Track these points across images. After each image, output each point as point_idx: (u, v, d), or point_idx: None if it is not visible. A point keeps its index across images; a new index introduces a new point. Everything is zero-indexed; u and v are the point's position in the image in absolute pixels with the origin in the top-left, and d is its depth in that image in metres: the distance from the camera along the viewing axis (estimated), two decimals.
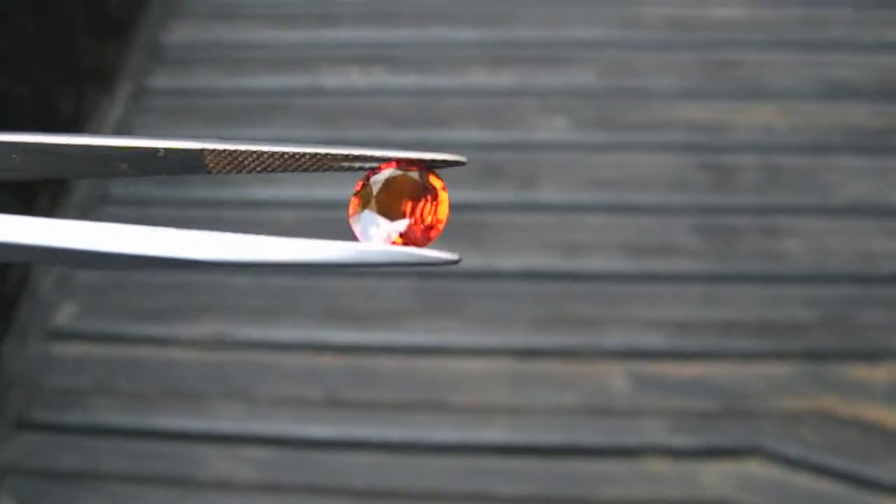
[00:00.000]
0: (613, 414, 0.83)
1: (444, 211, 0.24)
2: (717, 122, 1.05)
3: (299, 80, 1.14)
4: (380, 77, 1.13)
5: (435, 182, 0.24)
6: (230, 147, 0.23)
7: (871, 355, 0.86)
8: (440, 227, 0.24)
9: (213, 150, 0.23)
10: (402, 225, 0.23)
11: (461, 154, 0.23)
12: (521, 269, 0.93)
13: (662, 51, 1.13)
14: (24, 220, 0.22)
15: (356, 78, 1.14)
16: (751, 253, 0.93)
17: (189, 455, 0.83)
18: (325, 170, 0.23)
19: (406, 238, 0.23)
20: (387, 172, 0.23)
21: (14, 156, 0.23)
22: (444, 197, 0.24)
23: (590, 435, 0.82)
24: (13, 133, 0.23)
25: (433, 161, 0.24)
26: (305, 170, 0.23)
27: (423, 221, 0.23)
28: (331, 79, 1.14)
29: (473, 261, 0.94)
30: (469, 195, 1.00)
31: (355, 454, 0.82)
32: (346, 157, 0.23)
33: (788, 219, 0.96)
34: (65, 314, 0.93)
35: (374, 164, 0.23)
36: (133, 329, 0.92)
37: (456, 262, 0.22)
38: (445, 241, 0.86)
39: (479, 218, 0.98)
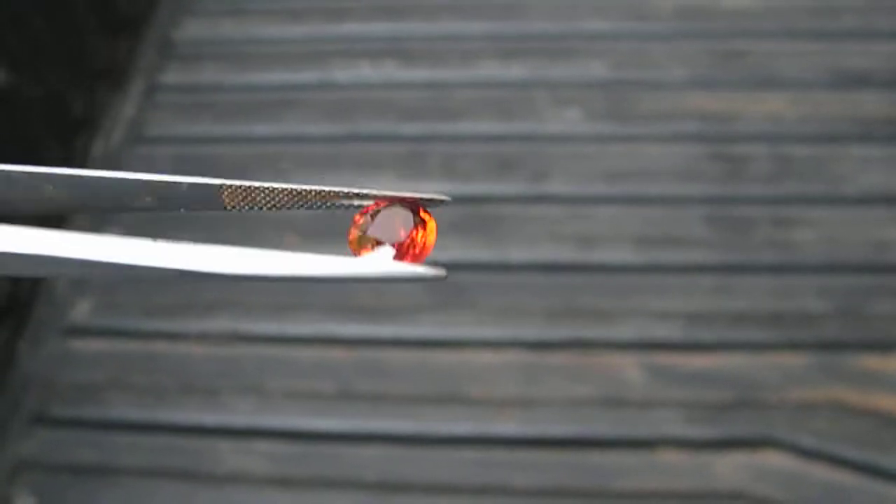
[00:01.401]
0: (626, 406, 0.83)
1: (431, 239, 0.27)
2: (727, 113, 1.04)
3: (310, 74, 1.14)
4: (391, 70, 1.13)
5: (424, 215, 0.27)
6: (245, 183, 0.26)
7: (885, 345, 0.85)
8: (428, 251, 0.27)
9: (231, 186, 0.26)
10: (394, 248, 0.26)
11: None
12: (533, 262, 0.94)
13: (673, 41, 1.12)
14: (39, 232, 0.24)
15: (367, 72, 1.14)
16: (762, 243, 0.93)
17: (203, 449, 0.83)
18: (327, 207, 0.27)
19: (398, 259, 0.27)
20: (383, 207, 0.27)
21: (51, 186, 0.26)
22: (431, 227, 0.27)
23: (603, 427, 0.82)
24: (46, 167, 0.26)
25: (422, 199, 0.27)
26: (310, 207, 0.27)
27: (413, 247, 0.27)
28: (342, 73, 1.14)
29: (485, 253, 0.94)
30: (481, 188, 1.00)
31: (367, 447, 0.83)
32: (347, 195, 0.27)
33: (800, 209, 0.95)
34: (80, 311, 0.93)
35: (371, 202, 0.27)
36: (147, 325, 0.92)
37: (443, 277, 0.25)
38: (457, 233, 0.86)
39: (490, 210, 0.98)
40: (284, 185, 0.26)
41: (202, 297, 0.93)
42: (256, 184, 0.26)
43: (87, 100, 1.11)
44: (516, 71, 1.12)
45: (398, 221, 0.27)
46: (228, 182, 0.26)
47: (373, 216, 0.27)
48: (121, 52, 1.18)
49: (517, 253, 0.94)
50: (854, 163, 0.99)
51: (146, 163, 1.06)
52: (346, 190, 0.26)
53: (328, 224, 0.96)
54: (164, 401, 0.87)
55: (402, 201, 0.27)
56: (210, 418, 0.85)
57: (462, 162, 1.02)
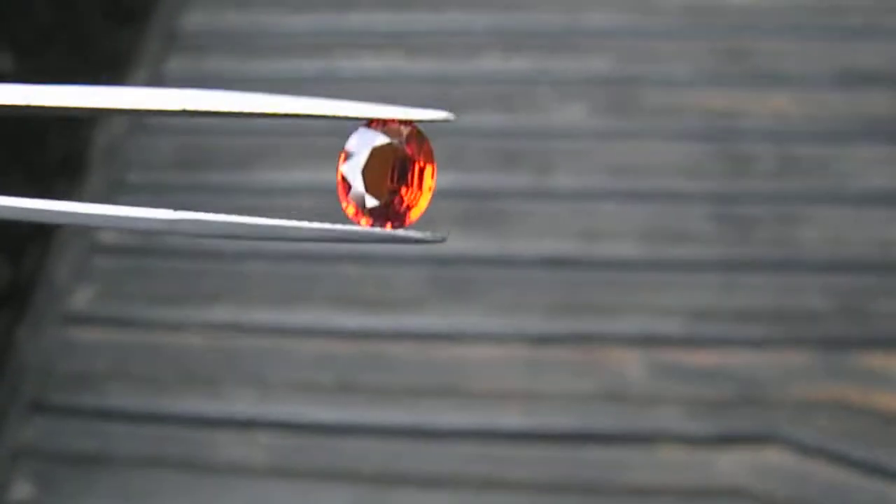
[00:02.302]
0: (628, 401, 0.83)
1: (428, 180, 0.23)
2: (732, 110, 1.04)
3: (314, 65, 1.14)
4: (395, 63, 1.13)
5: (421, 147, 0.23)
6: (210, 109, 0.23)
7: (887, 344, 0.85)
8: (424, 196, 0.23)
9: (197, 112, 0.23)
10: (386, 197, 0.22)
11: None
12: (537, 256, 0.93)
13: (679, 38, 1.12)
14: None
15: (371, 64, 1.13)
16: (766, 241, 0.93)
17: (202, 439, 0.83)
18: (307, 118, 0.23)
19: (393, 208, 0.22)
20: (371, 141, 0.23)
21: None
22: (427, 164, 0.23)
23: (605, 421, 0.82)
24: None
25: (420, 120, 0.23)
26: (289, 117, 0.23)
27: (408, 191, 0.22)
28: (345, 64, 1.14)
29: (489, 247, 0.94)
30: (484, 182, 0.99)
31: (368, 439, 0.82)
32: (335, 117, 0.23)
33: (804, 207, 0.95)
34: (80, 299, 0.93)
35: (362, 121, 0.23)
36: (148, 314, 0.92)
37: (442, 240, 0.22)
38: (461, 227, 0.85)
39: (494, 204, 0.97)
40: (258, 111, 0.23)
41: (204, 287, 0.93)
42: (224, 111, 0.23)
43: None
44: (521, 65, 1.11)
45: (390, 163, 0.22)
46: (191, 108, 0.23)
47: (362, 158, 0.22)
48: (125, 41, 1.18)
49: (520, 247, 0.94)
50: (859, 161, 0.99)
51: (148, 152, 1.06)
52: (326, 113, 0.23)
53: (336, 208, 0.96)
54: (164, 391, 0.86)
55: (395, 122, 0.22)
56: (210, 409, 0.85)
57: (466, 156, 1.01)
